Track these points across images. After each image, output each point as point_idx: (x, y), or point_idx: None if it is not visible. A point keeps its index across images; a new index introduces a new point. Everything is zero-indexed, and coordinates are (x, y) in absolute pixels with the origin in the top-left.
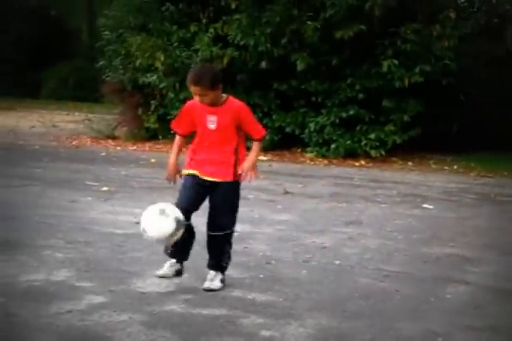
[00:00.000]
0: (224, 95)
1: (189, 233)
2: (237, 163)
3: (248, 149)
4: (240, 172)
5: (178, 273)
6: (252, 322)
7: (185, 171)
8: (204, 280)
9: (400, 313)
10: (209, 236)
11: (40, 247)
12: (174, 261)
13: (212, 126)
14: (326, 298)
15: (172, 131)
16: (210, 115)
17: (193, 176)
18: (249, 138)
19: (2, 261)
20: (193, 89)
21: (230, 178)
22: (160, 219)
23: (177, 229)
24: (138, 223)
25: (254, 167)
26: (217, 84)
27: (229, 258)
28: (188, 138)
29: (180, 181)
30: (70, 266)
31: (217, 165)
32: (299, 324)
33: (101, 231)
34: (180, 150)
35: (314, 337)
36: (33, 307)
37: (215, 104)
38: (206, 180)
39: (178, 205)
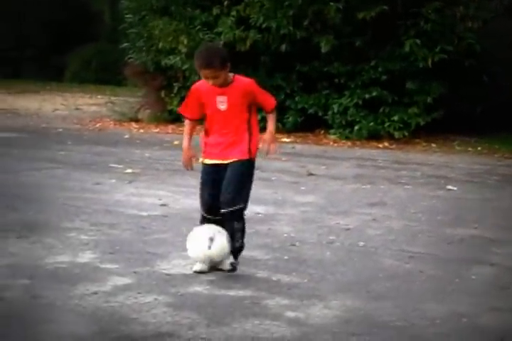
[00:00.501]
0: (230, 74)
1: (220, 223)
2: (251, 140)
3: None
4: (261, 145)
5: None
6: (277, 303)
7: (203, 160)
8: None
9: (425, 294)
10: (222, 215)
11: (65, 229)
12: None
13: (222, 106)
14: (350, 279)
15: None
16: (220, 96)
17: (211, 166)
18: (262, 110)
19: (29, 243)
20: (204, 72)
21: (245, 156)
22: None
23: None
24: (163, 205)
25: (274, 139)
26: (227, 63)
27: (242, 237)
28: (200, 121)
29: (198, 166)
30: (94, 247)
31: (233, 146)
32: (323, 305)
33: (125, 213)
34: (191, 134)
35: (339, 318)
36: (59, 288)
37: (223, 83)
38: (223, 164)
39: (201, 200)
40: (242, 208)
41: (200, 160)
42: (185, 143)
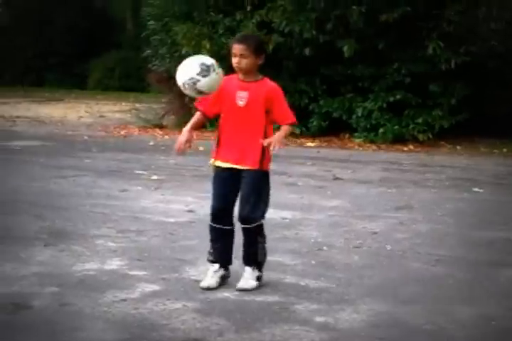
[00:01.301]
0: (260, 75)
1: (228, 233)
2: (265, 150)
3: None
4: (264, 143)
5: (224, 279)
6: (305, 308)
7: (214, 161)
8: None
9: (453, 298)
10: (242, 229)
11: (92, 237)
12: (217, 266)
13: (241, 102)
14: (378, 283)
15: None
16: (241, 91)
17: (225, 170)
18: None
19: (57, 250)
20: (236, 47)
21: (257, 166)
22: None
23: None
24: (189, 211)
25: (281, 140)
26: (261, 51)
27: (264, 253)
28: (210, 122)
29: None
30: (122, 255)
31: (245, 149)
32: (352, 309)
33: (152, 220)
34: (197, 124)
35: (368, 323)
36: (87, 296)
37: (248, 77)
38: (237, 169)
39: (212, 208)
40: (262, 224)
41: (211, 161)
42: (187, 126)
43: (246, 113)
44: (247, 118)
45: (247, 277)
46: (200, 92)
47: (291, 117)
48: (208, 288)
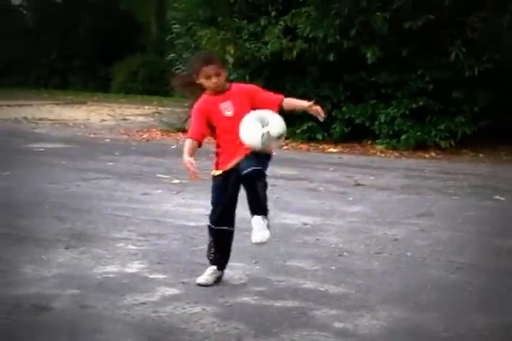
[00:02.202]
0: (227, 83)
1: (228, 235)
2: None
3: None
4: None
5: (218, 279)
6: (324, 314)
7: (215, 172)
8: (276, 271)
9: (473, 305)
10: (242, 178)
11: (113, 240)
12: (215, 268)
13: (228, 112)
14: (398, 289)
15: None
16: (223, 102)
17: (225, 173)
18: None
19: (77, 253)
20: (206, 70)
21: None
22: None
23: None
24: None
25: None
26: (225, 63)
27: (266, 199)
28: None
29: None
30: (142, 258)
31: (244, 150)
32: (371, 316)
33: (173, 224)
34: (193, 150)
35: (387, 329)
36: (107, 298)
37: (222, 89)
38: (234, 168)
39: (213, 206)
40: (264, 171)
41: (213, 172)
42: (185, 156)
43: (237, 119)
44: (239, 124)
45: (260, 229)
46: (280, 136)
47: (280, 95)
48: (206, 285)
